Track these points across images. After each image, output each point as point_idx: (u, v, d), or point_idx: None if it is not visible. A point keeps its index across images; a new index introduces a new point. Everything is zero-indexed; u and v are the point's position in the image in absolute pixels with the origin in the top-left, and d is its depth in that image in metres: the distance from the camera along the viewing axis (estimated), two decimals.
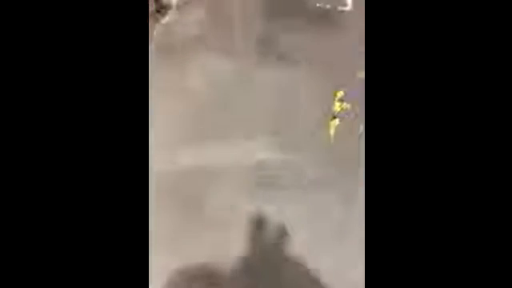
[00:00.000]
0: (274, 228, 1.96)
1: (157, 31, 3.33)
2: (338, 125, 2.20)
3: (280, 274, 1.86)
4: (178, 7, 3.64)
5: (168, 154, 2.24)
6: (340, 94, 2.22)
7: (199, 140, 2.32)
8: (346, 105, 2.20)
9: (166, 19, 3.49)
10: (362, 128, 2.12)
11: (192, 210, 2.00)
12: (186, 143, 2.30)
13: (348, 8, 3.89)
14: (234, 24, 3.51)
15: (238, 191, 2.06)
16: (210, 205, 2.01)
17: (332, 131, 2.24)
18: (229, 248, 1.91)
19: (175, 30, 3.37)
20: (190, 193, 2.05)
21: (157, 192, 1.98)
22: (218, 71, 2.89)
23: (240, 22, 3.57)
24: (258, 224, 1.98)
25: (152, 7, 3.50)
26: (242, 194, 2.04)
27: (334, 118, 2.19)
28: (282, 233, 1.93)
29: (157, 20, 3.44)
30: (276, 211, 2.02)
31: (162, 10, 3.55)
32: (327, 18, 3.70)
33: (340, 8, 3.91)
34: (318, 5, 3.79)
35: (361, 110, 2.14)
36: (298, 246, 1.86)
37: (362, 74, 2.24)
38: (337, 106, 2.20)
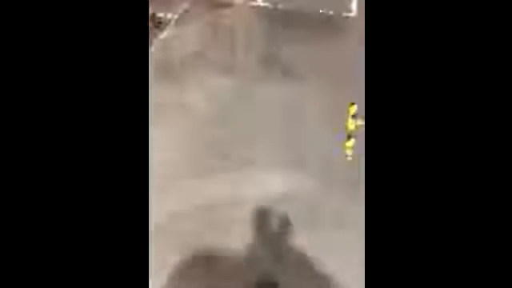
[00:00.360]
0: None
1: (155, 46, 3.19)
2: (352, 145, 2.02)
3: None
4: (177, 22, 3.50)
5: (169, 188, 2.07)
6: (353, 109, 2.02)
7: (198, 168, 2.15)
8: (359, 122, 2.00)
9: (163, 34, 3.36)
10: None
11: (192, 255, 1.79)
12: (183, 170, 2.13)
13: (353, 14, 3.74)
14: (235, 37, 3.35)
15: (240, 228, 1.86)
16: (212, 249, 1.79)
17: (349, 152, 2.04)
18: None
19: (173, 45, 3.23)
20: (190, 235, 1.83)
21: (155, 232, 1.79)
22: (219, 87, 2.72)
23: (241, 35, 3.41)
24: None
25: (151, 22, 3.38)
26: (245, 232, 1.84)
27: (350, 137, 1.99)
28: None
29: (155, 35, 3.31)
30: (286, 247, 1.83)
31: (160, 24, 3.42)
32: (331, 25, 3.53)
33: (345, 14, 3.76)
34: (321, 11, 3.63)
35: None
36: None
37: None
38: (350, 124, 2.01)
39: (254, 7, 3.68)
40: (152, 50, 3.20)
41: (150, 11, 3.46)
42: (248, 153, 2.22)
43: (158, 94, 2.58)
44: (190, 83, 2.78)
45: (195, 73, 2.88)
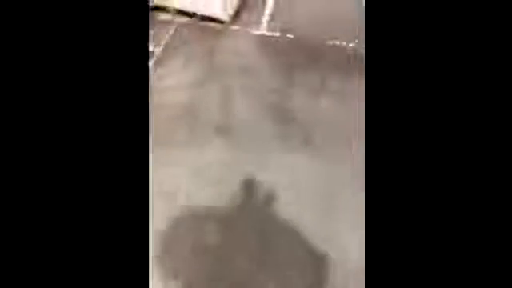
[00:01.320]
0: None
1: None
2: None
3: None
4: (158, 61, 2.72)
5: None
6: None
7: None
8: None
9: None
10: None
11: None
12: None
13: None
14: (231, 81, 2.54)
15: None
16: None
17: None
18: None
19: (153, 95, 2.47)
20: None
21: None
22: (214, 164, 1.94)
23: (238, 78, 2.60)
24: None
25: None
26: None
27: None
28: None
29: None
30: None
31: None
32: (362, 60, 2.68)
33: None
34: (350, 45, 2.72)
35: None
36: None
37: None
38: None
39: (255, 36, 2.88)
40: None
41: None
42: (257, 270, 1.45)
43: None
44: (174, 154, 2.01)
45: (182, 136, 2.11)
